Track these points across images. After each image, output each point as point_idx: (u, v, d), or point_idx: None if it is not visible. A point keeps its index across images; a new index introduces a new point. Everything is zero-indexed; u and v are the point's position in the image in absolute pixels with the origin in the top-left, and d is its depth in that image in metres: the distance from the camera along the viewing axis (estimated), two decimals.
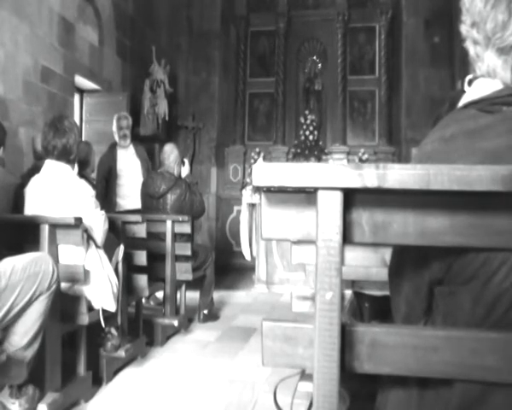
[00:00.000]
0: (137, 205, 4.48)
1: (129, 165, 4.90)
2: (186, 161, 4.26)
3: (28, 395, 2.03)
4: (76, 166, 2.70)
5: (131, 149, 4.97)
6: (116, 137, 4.93)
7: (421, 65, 7.18)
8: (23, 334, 1.91)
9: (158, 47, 7.16)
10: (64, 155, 2.49)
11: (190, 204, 3.97)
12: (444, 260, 0.82)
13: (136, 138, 6.80)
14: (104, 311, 2.48)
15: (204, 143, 7.84)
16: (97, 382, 2.62)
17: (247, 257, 5.59)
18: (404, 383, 0.86)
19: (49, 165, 2.51)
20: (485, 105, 0.83)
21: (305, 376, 0.97)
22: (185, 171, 4.16)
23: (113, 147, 4.97)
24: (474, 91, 0.88)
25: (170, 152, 4.04)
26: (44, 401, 2.11)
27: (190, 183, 4.13)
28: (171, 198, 3.91)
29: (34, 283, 1.90)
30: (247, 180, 6.92)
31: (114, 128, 4.93)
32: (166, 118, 7.10)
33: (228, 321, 4.21)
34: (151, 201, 3.96)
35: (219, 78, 7.90)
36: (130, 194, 4.78)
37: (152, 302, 4.33)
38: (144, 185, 4.10)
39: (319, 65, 8.16)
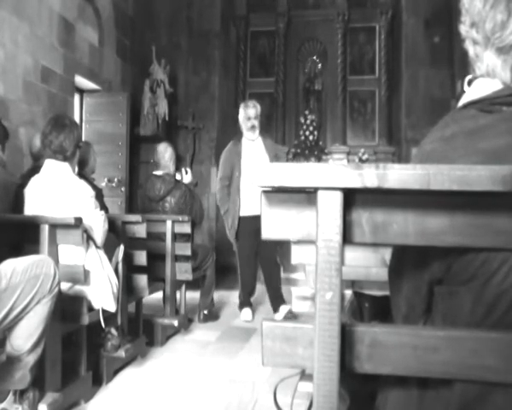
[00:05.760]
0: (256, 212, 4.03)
1: (253, 163, 4.15)
2: (189, 170, 4.27)
3: (29, 399, 2.03)
4: (76, 166, 2.71)
5: (259, 142, 4.33)
6: (243, 129, 4.32)
7: (421, 65, 7.18)
8: (26, 338, 1.90)
9: (158, 47, 7.16)
10: (60, 152, 2.49)
11: (190, 208, 3.99)
12: (444, 261, 0.82)
13: (137, 138, 6.84)
14: (104, 311, 2.48)
15: (204, 143, 7.83)
16: (97, 382, 2.62)
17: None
18: (404, 383, 0.86)
19: (49, 165, 2.51)
20: (485, 105, 0.83)
21: (305, 376, 0.97)
22: (188, 179, 4.18)
23: (238, 141, 4.37)
24: (473, 91, 0.88)
25: (164, 151, 4.05)
26: (44, 401, 2.11)
27: (192, 190, 4.16)
28: (170, 202, 3.93)
29: (35, 285, 1.90)
30: None
31: (241, 118, 4.33)
32: (166, 118, 7.10)
33: (228, 321, 4.21)
34: (150, 203, 3.96)
35: (219, 78, 7.90)
36: (251, 198, 4.13)
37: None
38: (144, 188, 4.10)
39: (319, 65, 8.16)
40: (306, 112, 7.81)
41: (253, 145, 4.30)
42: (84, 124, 6.21)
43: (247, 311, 4.29)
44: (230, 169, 4.25)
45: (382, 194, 0.74)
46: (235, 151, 4.30)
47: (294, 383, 1.03)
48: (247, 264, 4.31)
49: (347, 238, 0.75)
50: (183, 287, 3.94)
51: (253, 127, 4.26)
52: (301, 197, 0.77)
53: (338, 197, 0.73)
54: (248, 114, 4.28)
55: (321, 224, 0.73)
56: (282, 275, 5.21)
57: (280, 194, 0.77)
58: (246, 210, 4.18)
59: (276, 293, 4.28)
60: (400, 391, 0.88)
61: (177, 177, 4.10)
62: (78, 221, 2.21)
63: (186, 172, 4.17)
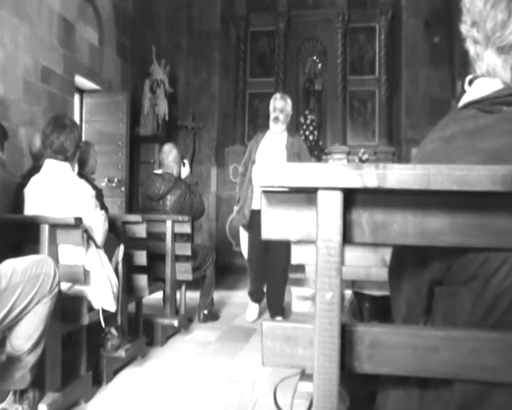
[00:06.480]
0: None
1: (268, 155, 4.07)
2: (186, 162, 4.23)
3: (29, 399, 2.03)
4: (76, 166, 2.71)
5: (284, 138, 4.13)
6: (270, 119, 4.18)
7: (421, 65, 7.18)
8: (26, 338, 1.90)
9: (158, 47, 7.16)
10: (61, 152, 2.49)
11: (190, 205, 3.96)
12: (443, 261, 0.82)
13: (137, 138, 6.84)
14: (104, 311, 2.48)
15: (204, 143, 7.84)
16: (97, 382, 2.62)
17: (247, 257, 5.58)
18: (404, 383, 0.86)
19: (49, 164, 2.51)
20: (486, 105, 0.83)
21: (305, 376, 0.97)
22: (185, 172, 4.15)
23: (263, 131, 4.27)
24: (474, 91, 0.88)
25: (168, 152, 4.03)
26: (44, 401, 2.11)
27: (190, 184, 4.13)
28: (171, 200, 3.91)
29: (35, 285, 1.90)
30: None
31: (270, 108, 4.19)
32: (166, 118, 7.10)
33: (228, 321, 4.21)
34: (150, 203, 3.96)
35: (219, 78, 7.90)
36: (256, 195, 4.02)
37: None
38: (144, 187, 4.09)
39: (319, 65, 8.16)
40: (306, 112, 7.81)
41: (274, 139, 4.13)
42: (84, 124, 6.21)
43: (252, 309, 4.22)
44: (249, 158, 4.17)
45: (382, 194, 0.74)
46: (256, 141, 4.20)
47: (294, 383, 1.03)
48: (256, 258, 4.22)
49: (347, 238, 0.75)
50: (183, 287, 3.94)
51: (275, 119, 4.10)
52: (301, 197, 0.77)
53: (338, 197, 0.73)
54: (275, 104, 4.13)
55: (321, 224, 0.73)
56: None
57: (280, 194, 0.77)
58: (258, 203, 4.04)
59: (274, 301, 4.16)
60: (400, 391, 0.88)
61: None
62: (78, 221, 2.21)
63: (183, 165, 4.15)
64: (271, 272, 4.19)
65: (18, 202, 2.60)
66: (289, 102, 4.18)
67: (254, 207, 4.07)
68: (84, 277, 2.31)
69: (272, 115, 4.12)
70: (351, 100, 7.83)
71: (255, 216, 4.03)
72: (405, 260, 0.89)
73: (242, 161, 4.32)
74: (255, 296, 4.27)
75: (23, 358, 1.92)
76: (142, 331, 3.26)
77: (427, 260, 0.84)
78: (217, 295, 4.56)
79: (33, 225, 2.21)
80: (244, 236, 4.66)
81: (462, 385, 0.80)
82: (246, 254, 5.50)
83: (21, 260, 1.91)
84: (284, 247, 3.95)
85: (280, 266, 4.11)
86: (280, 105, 4.10)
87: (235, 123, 8.08)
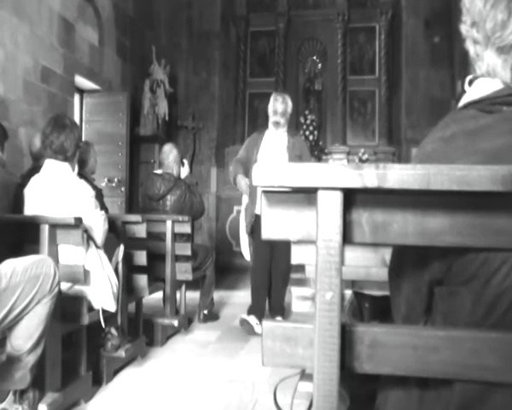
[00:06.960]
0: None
1: (269, 157, 3.90)
2: (186, 161, 4.22)
3: (29, 399, 2.03)
4: (76, 166, 2.71)
5: (284, 138, 3.96)
6: (269, 120, 3.98)
7: (421, 65, 7.18)
8: (26, 338, 1.90)
9: (158, 47, 7.16)
10: (61, 152, 2.49)
11: (190, 205, 3.96)
12: (443, 261, 0.82)
13: (137, 138, 6.84)
14: (104, 311, 2.48)
15: (204, 143, 7.84)
16: (97, 382, 2.62)
17: (247, 257, 5.57)
18: (404, 383, 0.86)
19: (49, 164, 2.51)
20: (486, 105, 0.83)
21: (305, 376, 0.97)
22: (185, 172, 4.14)
23: (261, 131, 4.07)
24: (474, 91, 0.88)
25: (169, 152, 4.03)
26: (44, 401, 2.11)
27: (190, 184, 4.13)
28: (171, 199, 3.90)
29: (35, 285, 1.90)
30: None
31: (269, 108, 3.98)
32: (166, 118, 7.10)
33: (228, 321, 4.20)
34: (150, 202, 3.95)
35: (219, 78, 7.90)
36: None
37: None
38: (144, 187, 4.09)
39: (319, 65, 8.16)
40: (306, 112, 7.81)
41: (275, 140, 3.95)
42: (84, 124, 6.21)
43: (251, 318, 3.98)
44: (246, 157, 4.00)
45: (382, 194, 0.74)
46: (255, 142, 3.99)
47: (294, 383, 1.03)
48: (261, 266, 4.05)
49: (347, 238, 0.75)
50: (183, 287, 3.94)
51: (277, 124, 3.92)
52: (301, 197, 0.77)
53: (338, 197, 0.73)
54: (275, 107, 3.92)
55: (321, 224, 0.73)
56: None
57: (280, 194, 0.77)
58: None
59: (275, 301, 4.09)
60: (400, 391, 0.88)
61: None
62: (78, 221, 2.21)
63: (183, 165, 4.13)
64: (275, 274, 4.11)
65: (18, 202, 2.60)
66: (290, 103, 4.04)
67: (257, 211, 3.94)
68: (84, 277, 2.31)
69: (273, 119, 3.95)
70: (351, 100, 7.84)
71: (258, 221, 3.89)
72: (405, 260, 0.89)
73: (237, 157, 4.12)
74: (253, 310, 3.99)
75: (23, 358, 1.92)
76: (142, 331, 3.26)
77: (427, 260, 0.84)
78: (217, 295, 4.56)
79: (33, 225, 2.21)
80: (244, 237, 4.64)
81: (462, 385, 0.80)
82: (246, 256, 5.47)
83: (21, 260, 1.91)
84: (286, 248, 3.87)
85: (282, 267, 4.04)
86: (281, 109, 3.93)
87: (235, 123, 8.08)
